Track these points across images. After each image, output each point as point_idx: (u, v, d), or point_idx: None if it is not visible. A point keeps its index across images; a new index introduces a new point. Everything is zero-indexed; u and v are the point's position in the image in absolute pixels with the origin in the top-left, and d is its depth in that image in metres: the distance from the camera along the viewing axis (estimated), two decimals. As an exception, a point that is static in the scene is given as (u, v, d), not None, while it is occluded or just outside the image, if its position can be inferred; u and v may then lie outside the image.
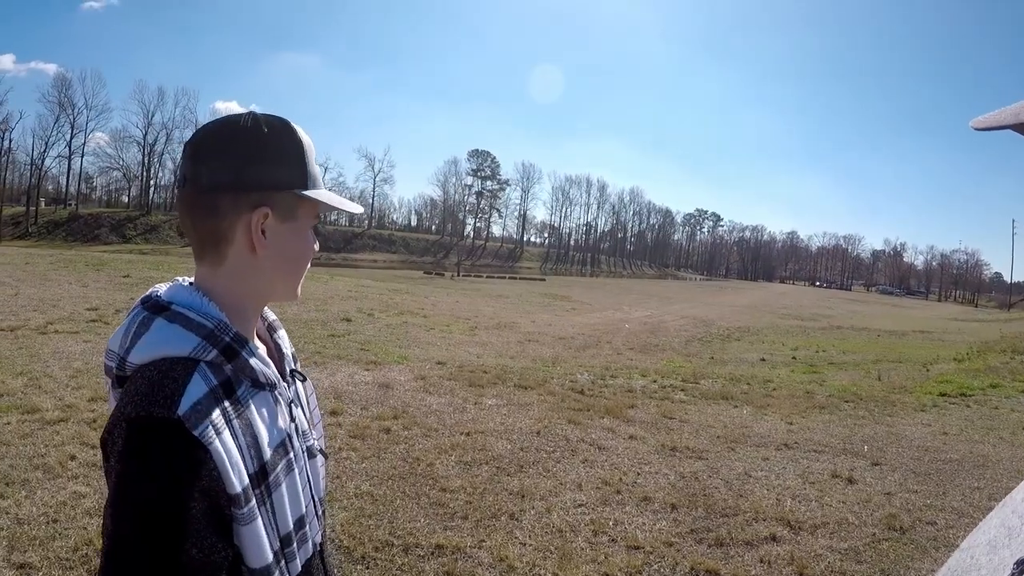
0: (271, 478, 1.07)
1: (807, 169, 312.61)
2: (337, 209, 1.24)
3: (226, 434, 0.99)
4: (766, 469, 6.96)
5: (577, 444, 7.16)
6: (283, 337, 1.32)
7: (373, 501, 5.23)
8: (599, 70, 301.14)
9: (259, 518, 1.03)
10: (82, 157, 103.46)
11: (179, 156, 1.20)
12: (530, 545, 4.79)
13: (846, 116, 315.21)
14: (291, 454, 1.14)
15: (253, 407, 1.07)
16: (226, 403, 1.02)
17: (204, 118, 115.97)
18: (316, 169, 1.20)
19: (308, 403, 1.32)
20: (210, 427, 0.96)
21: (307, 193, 1.15)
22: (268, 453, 1.07)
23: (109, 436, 0.97)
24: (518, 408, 8.50)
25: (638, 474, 6.43)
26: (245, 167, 1.09)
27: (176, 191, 1.15)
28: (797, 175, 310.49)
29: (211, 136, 1.12)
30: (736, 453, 7.45)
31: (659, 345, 19.04)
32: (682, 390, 10.97)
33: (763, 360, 17.39)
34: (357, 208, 1.28)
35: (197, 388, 0.99)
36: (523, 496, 5.55)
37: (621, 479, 6.20)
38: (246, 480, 1.01)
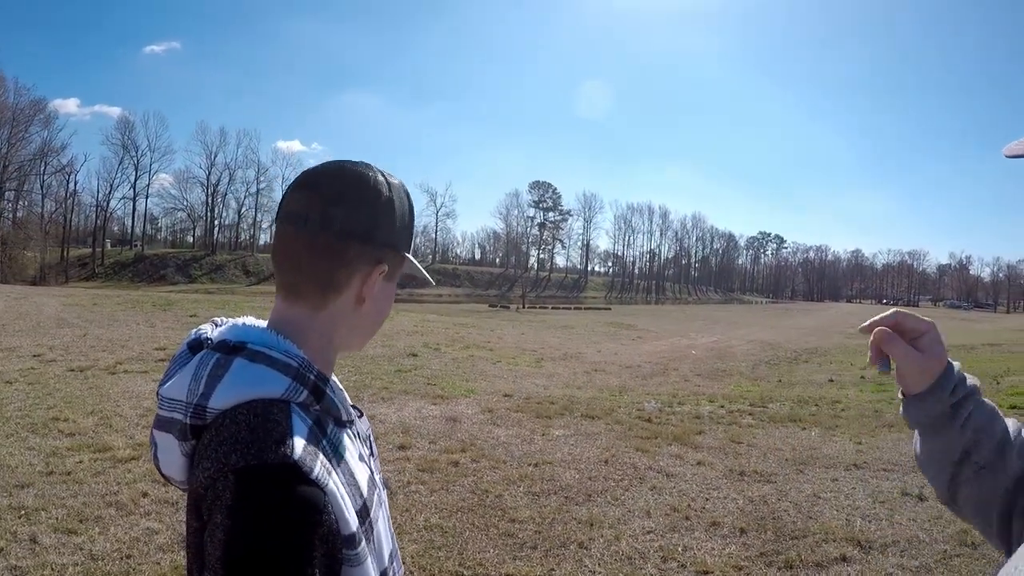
0: (371, 514, 1.05)
1: (869, 186, 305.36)
2: (420, 278, 1.29)
3: (334, 474, 0.97)
4: (835, 490, 6.90)
5: (645, 472, 7.18)
6: (335, 379, 1.24)
7: (443, 533, 5.33)
8: (655, 95, 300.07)
9: (369, 557, 1.01)
10: (147, 198, 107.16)
11: (288, 189, 1.15)
12: (599, 573, 4.84)
13: (904, 131, 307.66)
14: (378, 488, 1.13)
15: (344, 445, 1.06)
16: (324, 443, 0.99)
17: (266, 158, 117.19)
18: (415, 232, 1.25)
19: (369, 438, 1.27)
20: (323, 468, 0.94)
21: (408, 256, 1.20)
22: (365, 489, 1.05)
23: (208, 492, 0.90)
24: (585, 438, 8.52)
25: (706, 499, 6.43)
26: (377, 222, 1.11)
27: (285, 225, 1.11)
28: (859, 192, 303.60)
29: (346, 181, 1.11)
30: (805, 475, 7.40)
31: (726, 370, 18.81)
32: (750, 414, 10.89)
33: (831, 381, 17.06)
34: (430, 281, 1.34)
35: (300, 429, 0.96)
36: (591, 525, 5.60)
37: (689, 505, 6.21)
38: (356, 520, 0.98)
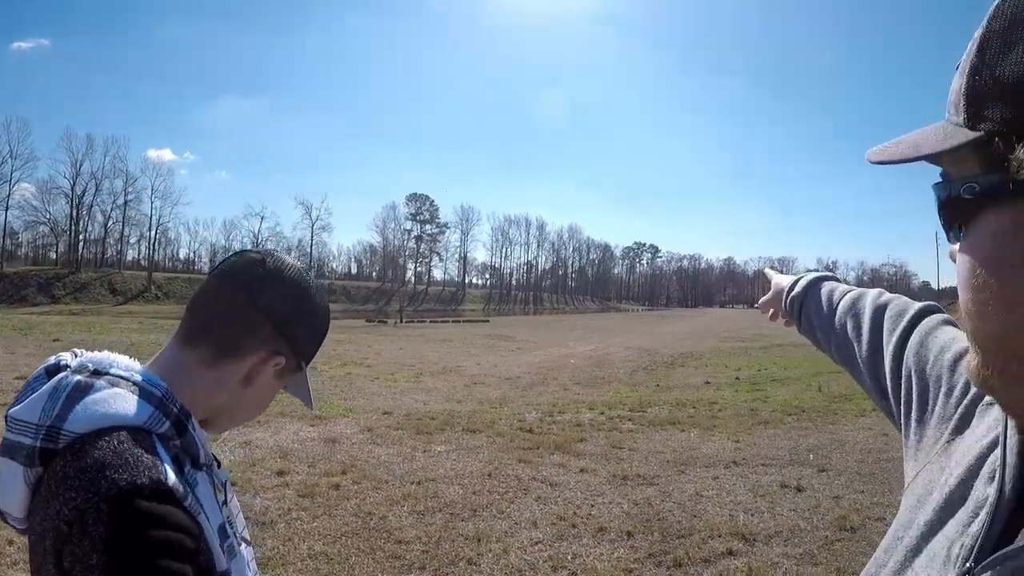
0: (225, 564, 0.99)
1: (740, 196, 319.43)
2: (302, 395, 1.26)
3: (201, 509, 0.93)
4: (717, 487, 7.12)
5: (529, 483, 7.16)
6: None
7: (328, 561, 5.15)
8: (531, 108, 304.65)
9: None
10: (6, 210, 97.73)
11: (235, 253, 1.19)
12: (489, 588, 4.78)
13: (774, 143, 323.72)
14: (230, 539, 1.04)
15: (201, 487, 0.97)
16: (182, 480, 0.92)
17: (135, 167, 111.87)
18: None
19: (227, 488, 1.18)
20: (191, 499, 0.90)
21: (304, 372, 1.22)
22: (218, 538, 0.98)
23: (74, 528, 0.79)
24: (468, 452, 8.45)
25: (592, 506, 6.47)
26: (299, 321, 1.14)
27: (212, 279, 1.13)
28: (731, 203, 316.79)
29: (292, 276, 1.15)
30: (686, 475, 7.58)
31: (605, 377, 19.13)
32: (630, 419, 11.10)
33: (707, 383, 17.60)
34: (312, 404, 1.31)
35: (166, 459, 0.90)
36: (479, 540, 5.53)
37: (575, 512, 6.23)
38: (223, 558, 0.95)
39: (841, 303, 1.25)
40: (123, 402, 0.91)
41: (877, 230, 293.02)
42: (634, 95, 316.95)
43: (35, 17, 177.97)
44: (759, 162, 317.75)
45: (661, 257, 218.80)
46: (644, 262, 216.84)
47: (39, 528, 0.85)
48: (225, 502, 1.09)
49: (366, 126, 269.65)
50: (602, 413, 11.76)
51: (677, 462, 8.17)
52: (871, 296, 1.21)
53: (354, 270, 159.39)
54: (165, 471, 0.86)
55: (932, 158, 0.63)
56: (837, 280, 1.41)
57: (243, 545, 1.11)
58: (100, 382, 0.93)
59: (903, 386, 0.99)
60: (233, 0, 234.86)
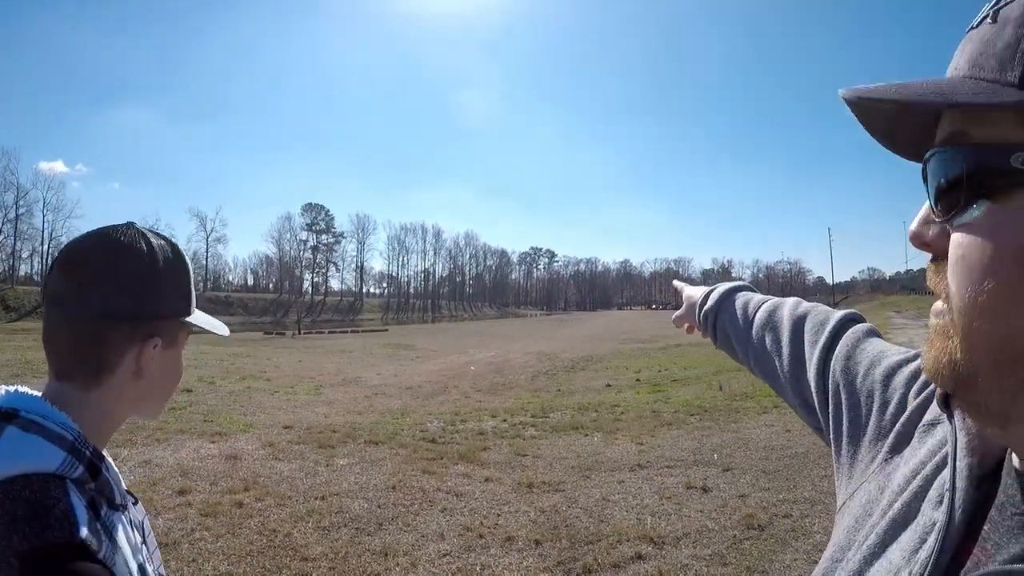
0: None
1: (636, 199, 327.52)
2: (211, 333, 1.24)
3: (116, 557, 0.90)
4: (623, 491, 7.23)
5: (434, 494, 7.15)
6: (108, 457, 1.10)
7: (232, 581, 5.05)
8: (428, 115, 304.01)
9: None
10: None
11: (50, 267, 1.08)
12: (397, 603, 4.76)
13: (666, 146, 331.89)
14: None
15: (119, 530, 0.96)
16: (98, 525, 0.90)
17: (26, 180, 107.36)
18: (194, 292, 1.19)
19: (143, 527, 1.15)
20: (106, 549, 0.88)
21: (190, 320, 1.15)
22: None
23: None
24: (371, 465, 8.38)
25: (498, 515, 6.50)
26: (143, 296, 1.06)
27: (47, 307, 1.05)
28: (627, 206, 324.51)
29: (102, 258, 1.04)
30: (592, 480, 7.68)
31: (506, 384, 19.21)
32: (533, 426, 11.18)
33: (609, 386, 17.86)
34: (224, 329, 1.28)
35: (80, 507, 0.87)
36: (386, 554, 5.50)
37: (482, 523, 6.25)
38: None
39: (757, 315, 1.22)
40: (35, 449, 0.89)
41: (770, 229, 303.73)
42: (527, 101, 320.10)
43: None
44: (652, 165, 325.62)
45: (558, 262, 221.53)
46: (541, 267, 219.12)
47: None
48: (143, 541, 1.09)
49: (261, 135, 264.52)
50: (504, 420, 11.82)
51: (582, 467, 8.27)
52: (788, 306, 1.19)
53: (251, 282, 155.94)
54: (77, 523, 0.84)
55: (950, 108, 0.54)
56: (751, 290, 1.40)
57: None
58: (11, 428, 0.90)
59: (831, 401, 0.96)
60: (120, 4, 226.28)
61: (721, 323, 1.34)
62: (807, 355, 1.04)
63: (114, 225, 1.09)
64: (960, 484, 0.62)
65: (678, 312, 1.58)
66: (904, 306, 68.76)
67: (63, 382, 1.03)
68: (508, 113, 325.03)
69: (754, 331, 1.21)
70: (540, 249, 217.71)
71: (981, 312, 0.51)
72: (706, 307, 1.40)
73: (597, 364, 25.01)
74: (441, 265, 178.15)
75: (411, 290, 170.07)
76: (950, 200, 0.54)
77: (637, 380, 19.01)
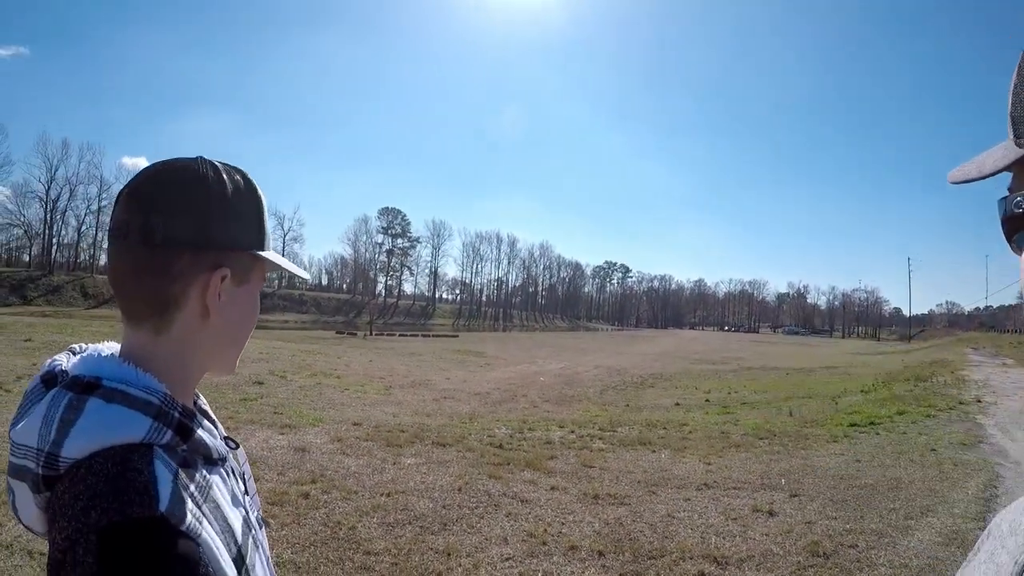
0: (247, 561, 0.94)
1: (711, 218, 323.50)
2: (288, 271, 1.14)
3: (206, 523, 0.86)
4: (688, 509, 7.09)
5: (499, 498, 7.12)
6: (205, 403, 1.14)
7: (296, 570, 5.08)
8: (505, 127, 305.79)
9: None
10: None
11: (114, 201, 0.99)
12: (459, 603, 4.73)
13: (746, 167, 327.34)
14: (253, 530, 1.01)
15: (215, 487, 0.93)
16: (192, 488, 0.87)
17: (109, 174, 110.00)
18: (269, 228, 1.09)
19: (245, 472, 1.14)
20: (193, 518, 0.83)
21: (264, 254, 1.04)
22: (240, 535, 0.94)
23: (67, 556, 0.77)
24: (438, 466, 8.39)
25: (563, 524, 6.43)
26: (208, 223, 0.97)
27: (110, 242, 0.97)
28: (702, 225, 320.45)
29: (166, 182, 0.97)
30: (658, 496, 7.56)
31: (575, 396, 19.14)
32: (600, 438, 11.07)
33: (677, 404, 17.66)
34: (305, 274, 1.22)
35: (164, 477, 0.84)
36: (449, 554, 5.47)
37: (546, 530, 6.19)
38: (234, 570, 0.88)
39: None
40: (119, 419, 0.86)
41: (848, 256, 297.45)
42: (604, 115, 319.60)
43: (13, 24, 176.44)
44: (727, 184, 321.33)
45: (631, 277, 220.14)
46: (614, 282, 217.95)
47: (49, 550, 0.82)
48: (247, 491, 1.07)
49: (341, 140, 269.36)
50: (572, 431, 11.75)
51: (648, 482, 8.15)
52: None
53: (325, 282, 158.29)
54: (158, 495, 0.81)
55: (1001, 172, 0.65)
56: None
57: (263, 528, 1.10)
58: (93, 400, 0.87)
59: None
60: (209, 14, 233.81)
61: None
62: None
63: (180, 157, 1.02)
64: None
65: None
66: (981, 343, 66.42)
67: (134, 327, 0.97)
68: (584, 126, 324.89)
69: None
70: (614, 264, 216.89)
71: None
72: None
73: (666, 382, 24.80)
74: (514, 274, 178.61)
75: (483, 298, 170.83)
76: (1007, 239, 0.66)
77: (706, 400, 18.79)
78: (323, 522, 6.05)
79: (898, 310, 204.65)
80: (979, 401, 16.61)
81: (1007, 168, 0.62)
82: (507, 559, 5.46)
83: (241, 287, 1.02)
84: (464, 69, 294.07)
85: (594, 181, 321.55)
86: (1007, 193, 0.65)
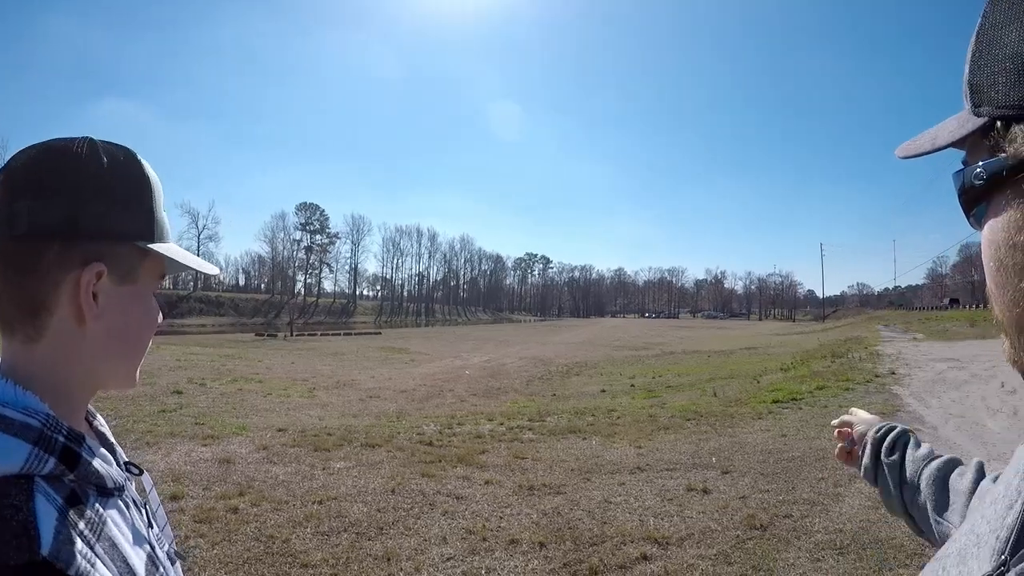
0: None
1: (631, 209, 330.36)
2: (189, 269, 0.99)
3: (100, 565, 0.73)
4: (624, 493, 7.18)
5: (434, 497, 7.03)
6: (103, 424, 0.98)
7: (229, 588, 4.92)
8: (425, 120, 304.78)
9: None
10: None
11: None
12: (401, 610, 4.64)
13: (661, 158, 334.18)
14: (162, 569, 0.89)
15: (110, 522, 0.80)
16: (81, 525, 0.74)
17: None
18: (164, 217, 0.94)
19: (151, 500, 1.00)
20: (83, 561, 0.71)
21: (155, 247, 0.90)
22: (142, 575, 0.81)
23: None
24: (368, 468, 8.24)
25: (501, 518, 6.40)
26: (79, 208, 0.82)
27: None
28: (622, 215, 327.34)
29: (36, 164, 0.83)
30: (592, 483, 7.61)
31: (501, 388, 19.20)
32: (530, 429, 11.09)
33: (603, 391, 17.85)
34: (212, 268, 1.07)
35: (47, 514, 0.71)
36: (388, 559, 5.36)
37: (485, 525, 6.14)
38: None
39: (928, 469, 1.26)
40: None
41: (763, 242, 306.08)
42: (526, 108, 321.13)
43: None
44: (647, 176, 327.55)
45: (553, 268, 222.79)
46: (536, 273, 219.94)
47: None
48: (150, 522, 0.92)
49: (257, 134, 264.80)
50: (501, 424, 11.72)
51: (582, 470, 8.19)
52: (973, 466, 1.19)
53: (242, 282, 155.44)
54: (39, 537, 0.68)
55: (954, 146, 0.63)
56: (914, 434, 1.42)
57: (176, 563, 0.97)
58: None
59: None
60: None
61: (893, 463, 1.35)
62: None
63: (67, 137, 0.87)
64: None
65: (847, 418, 1.57)
66: (892, 320, 70.59)
67: (9, 340, 0.84)
68: (506, 119, 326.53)
69: (921, 494, 1.24)
70: (535, 255, 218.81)
71: (994, 300, 0.60)
72: (883, 460, 1.39)
73: (591, 370, 25.07)
74: (436, 268, 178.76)
75: (405, 293, 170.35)
76: (965, 213, 0.63)
77: (632, 386, 19.05)
78: (255, 537, 5.84)
79: (812, 292, 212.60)
80: (893, 373, 17.36)
81: (963, 139, 0.60)
82: (448, 559, 5.38)
83: (125, 286, 0.88)
84: (386, 61, 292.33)
85: (515, 173, 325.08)
86: (961, 167, 0.62)
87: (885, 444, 1.38)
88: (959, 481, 1.12)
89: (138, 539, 0.85)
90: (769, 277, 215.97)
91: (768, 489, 7.17)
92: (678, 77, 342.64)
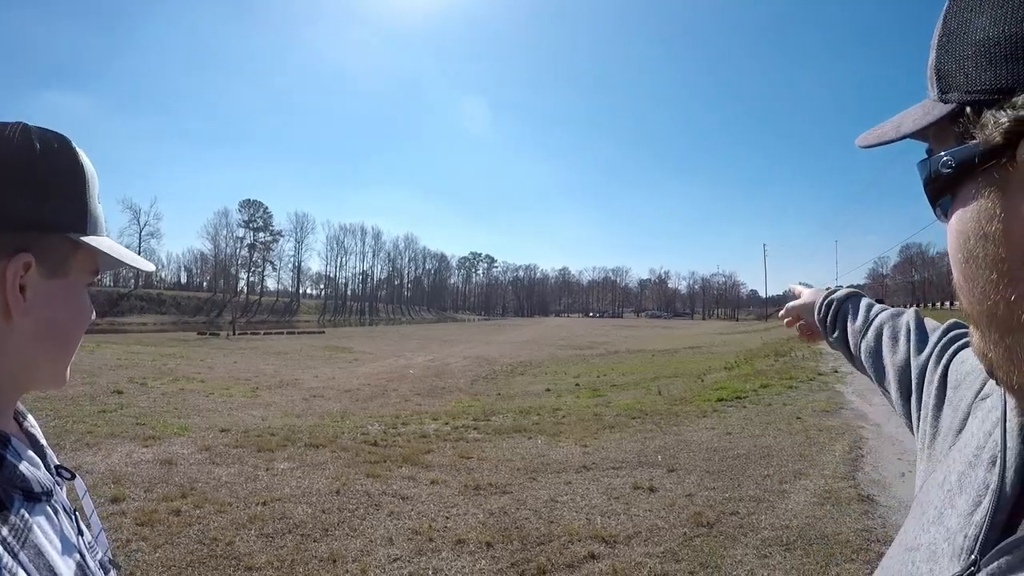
0: None
1: (576, 209, 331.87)
2: (124, 265, 0.94)
3: (22, 575, 0.69)
4: (570, 492, 7.22)
5: (380, 497, 7.01)
6: (35, 425, 0.93)
7: (172, 592, 4.85)
8: (370, 117, 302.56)
9: None
10: None
11: None
12: (347, 611, 4.63)
13: (606, 158, 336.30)
14: None
15: (36, 529, 0.75)
16: (4, 532, 0.70)
17: None
18: (99, 209, 0.90)
19: (84, 506, 0.97)
20: (6, 572, 0.67)
21: (87, 240, 0.85)
22: None
23: None
24: (312, 468, 8.19)
25: (447, 518, 6.40)
26: (7, 195, 0.78)
27: None
28: (567, 215, 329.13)
29: None
30: (538, 482, 7.66)
31: (446, 387, 19.17)
32: (475, 429, 11.14)
33: (548, 390, 17.92)
34: (147, 265, 1.01)
35: None
36: (334, 561, 5.34)
37: (431, 526, 6.14)
38: None
39: (877, 319, 1.30)
40: None
41: (706, 242, 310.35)
42: (472, 106, 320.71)
43: None
44: (592, 176, 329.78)
45: (497, 267, 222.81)
46: (480, 272, 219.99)
47: None
48: (80, 530, 0.88)
49: (200, 129, 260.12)
50: (446, 423, 11.74)
51: (528, 469, 8.24)
52: (906, 316, 1.24)
53: (184, 280, 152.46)
54: None
55: (917, 136, 0.63)
56: (868, 298, 1.48)
57: (111, 572, 0.93)
58: None
59: (923, 400, 0.98)
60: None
61: (843, 313, 1.43)
62: (913, 356, 1.08)
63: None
64: (1011, 443, 0.64)
65: (795, 303, 1.66)
66: None
67: None
68: (451, 117, 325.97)
69: (873, 326, 1.28)
70: (480, 254, 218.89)
71: (962, 292, 0.59)
72: (833, 297, 1.49)
73: (536, 369, 25.16)
74: (380, 267, 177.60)
75: (348, 292, 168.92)
76: (931, 204, 0.62)
77: (577, 385, 19.17)
78: (198, 539, 5.75)
79: (755, 292, 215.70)
80: (836, 372, 17.72)
81: (929, 126, 0.60)
82: (395, 560, 5.37)
83: (56, 280, 0.84)
84: (331, 57, 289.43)
85: (460, 171, 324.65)
86: (925, 156, 0.62)
87: (827, 325, 1.47)
88: (892, 356, 1.14)
89: (67, 547, 0.81)
90: (713, 277, 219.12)
91: (714, 487, 7.27)
92: (621, 77, 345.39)
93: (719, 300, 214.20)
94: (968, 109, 0.55)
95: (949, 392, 0.91)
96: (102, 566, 0.90)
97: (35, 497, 0.78)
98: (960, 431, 0.81)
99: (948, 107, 0.57)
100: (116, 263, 0.93)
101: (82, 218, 0.86)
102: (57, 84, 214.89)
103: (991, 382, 0.78)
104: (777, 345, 30.67)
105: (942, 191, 0.59)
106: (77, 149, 0.87)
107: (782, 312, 1.71)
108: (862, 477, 7.50)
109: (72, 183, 0.85)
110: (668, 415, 12.18)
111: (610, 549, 5.56)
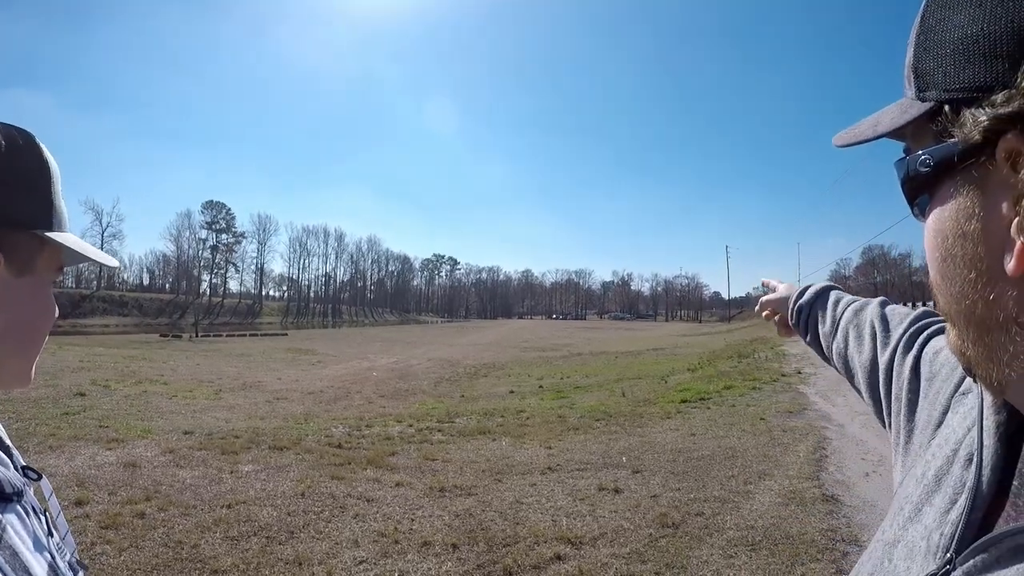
0: None
1: (538, 211, 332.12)
2: (89, 260, 0.94)
3: None
4: (536, 494, 7.28)
5: (345, 500, 7.03)
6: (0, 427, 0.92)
7: (137, 595, 4.84)
8: (334, 118, 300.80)
9: None
10: None
11: None
12: (313, 613, 4.65)
13: (569, 161, 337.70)
14: None
15: (11, 530, 0.75)
16: None
17: None
18: (64, 206, 0.89)
19: (51, 507, 0.94)
20: None
21: (53, 236, 0.85)
22: None
23: None
24: (277, 471, 8.18)
25: (412, 520, 6.43)
26: None
27: None
28: (529, 217, 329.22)
29: None
30: (504, 484, 7.71)
31: (409, 389, 19.17)
32: (439, 431, 11.18)
33: (512, 392, 18.00)
34: (111, 260, 1.01)
35: None
36: (300, 563, 5.35)
37: (396, 528, 6.17)
38: None
39: (845, 313, 1.31)
40: None
41: (669, 244, 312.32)
42: (435, 108, 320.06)
43: None
44: (555, 179, 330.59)
45: (460, 269, 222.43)
46: (443, 274, 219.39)
47: None
48: (49, 530, 0.87)
49: (163, 129, 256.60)
50: (410, 425, 11.77)
51: (492, 471, 8.29)
52: (872, 307, 1.26)
53: (146, 281, 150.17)
54: None
55: (895, 135, 0.63)
56: (841, 290, 1.49)
57: (79, 573, 0.92)
58: None
59: (894, 395, 0.99)
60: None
61: (813, 317, 1.44)
62: (879, 353, 1.10)
63: None
64: (988, 442, 0.64)
65: (770, 296, 1.70)
66: None
67: None
68: (413, 118, 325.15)
69: (840, 327, 1.30)
70: (442, 256, 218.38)
71: (939, 290, 0.60)
72: (801, 302, 1.51)
73: (499, 371, 25.22)
74: (343, 269, 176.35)
75: (311, 294, 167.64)
76: (908, 203, 0.62)
77: (540, 387, 19.25)
78: (163, 543, 5.74)
79: (718, 294, 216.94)
80: (799, 372, 17.96)
81: (905, 126, 0.60)
82: (361, 562, 5.41)
83: (22, 277, 0.83)
84: (293, 58, 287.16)
85: (423, 174, 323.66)
86: (903, 155, 0.62)
87: (800, 329, 1.51)
88: (859, 356, 1.16)
89: (39, 547, 0.80)
90: (676, 279, 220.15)
91: (679, 488, 7.34)
92: (582, 79, 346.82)
93: (682, 302, 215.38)
94: (947, 107, 0.55)
95: (923, 384, 0.93)
96: (71, 567, 0.89)
97: (6, 498, 0.78)
98: (939, 426, 0.82)
99: (926, 105, 0.57)
100: (81, 258, 0.93)
101: (47, 214, 0.85)
102: (16, 81, 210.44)
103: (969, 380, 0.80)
104: (740, 347, 31.03)
105: (920, 190, 0.60)
106: (41, 145, 0.86)
107: (758, 307, 1.76)
108: (826, 477, 7.62)
109: (38, 179, 0.84)
110: (632, 416, 12.28)
111: (576, 550, 5.62)
